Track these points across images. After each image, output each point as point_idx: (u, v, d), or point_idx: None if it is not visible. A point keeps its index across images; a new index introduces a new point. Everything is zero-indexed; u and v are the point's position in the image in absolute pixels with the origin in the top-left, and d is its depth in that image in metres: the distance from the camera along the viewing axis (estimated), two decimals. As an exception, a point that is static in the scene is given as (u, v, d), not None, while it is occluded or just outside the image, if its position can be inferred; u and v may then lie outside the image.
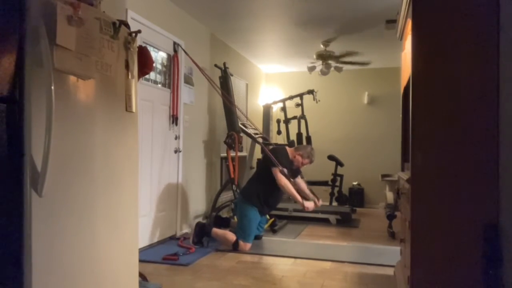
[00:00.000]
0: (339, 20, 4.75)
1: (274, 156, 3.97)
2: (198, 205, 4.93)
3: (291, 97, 6.12)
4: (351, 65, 6.47)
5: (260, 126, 6.41)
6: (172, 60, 4.31)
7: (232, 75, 5.31)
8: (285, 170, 3.93)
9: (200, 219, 4.77)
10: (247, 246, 3.78)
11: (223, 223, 4.46)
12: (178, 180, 4.41)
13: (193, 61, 4.33)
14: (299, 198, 3.94)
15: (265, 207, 4.04)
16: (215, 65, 5.10)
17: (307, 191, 4.29)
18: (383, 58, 6.42)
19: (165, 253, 3.49)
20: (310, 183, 6.75)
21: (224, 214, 5.10)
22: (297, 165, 4.16)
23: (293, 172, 4.16)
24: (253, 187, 4.04)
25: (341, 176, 6.23)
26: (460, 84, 1.74)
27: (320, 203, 4.19)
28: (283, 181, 3.88)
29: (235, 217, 4.32)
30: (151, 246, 3.86)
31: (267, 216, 4.71)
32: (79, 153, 1.64)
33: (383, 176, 6.45)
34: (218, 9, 4.45)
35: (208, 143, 5.20)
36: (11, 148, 1.37)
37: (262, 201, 3.96)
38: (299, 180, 4.31)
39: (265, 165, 4.09)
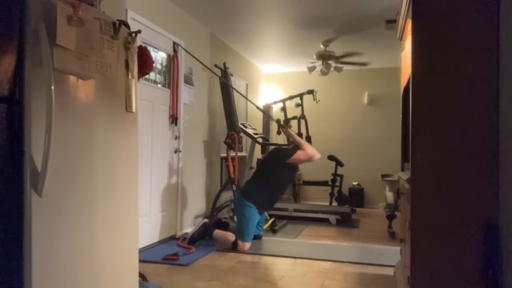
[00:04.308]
0: (339, 20, 4.75)
1: (280, 150, 4.28)
2: (198, 205, 4.93)
3: (291, 97, 6.12)
4: (351, 65, 6.47)
5: (259, 128, 6.42)
6: (172, 60, 4.30)
7: (232, 75, 5.31)
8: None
9: (200, 219, 4.77)
10: (246, 246, 3.78)
11: (222, 227, 4.44)
12: (178, 180, 4.41)
13: (194, 57, 4.32)
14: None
15: (267, 205, 4.10)
16: (215, 65, 5.10)
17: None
18: (383, 58, 6.42)
19: (165, 253, 3.49)
20: (310, 183, 6.80)
21: (224, 214, 5.09)
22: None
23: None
24: (256, 186, 4.04)
25: (341, 176, 6.22)
26: (460, 84, 1.73)
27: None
28: (311, 149, 4.10)
29: (235, 217, 4.32)
30: (151, 246, 3.86)
31: (267, 216, 4.71)
32: (79, 153, 1.64)
33: (383, 176, 6.45)
34: (218, 9, 4.45)
35: (208, 143, 5.20)
36: (11, 148, 1.37)
37: (264, 200, 3.99)
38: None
39: (273, 161, 4.16)
